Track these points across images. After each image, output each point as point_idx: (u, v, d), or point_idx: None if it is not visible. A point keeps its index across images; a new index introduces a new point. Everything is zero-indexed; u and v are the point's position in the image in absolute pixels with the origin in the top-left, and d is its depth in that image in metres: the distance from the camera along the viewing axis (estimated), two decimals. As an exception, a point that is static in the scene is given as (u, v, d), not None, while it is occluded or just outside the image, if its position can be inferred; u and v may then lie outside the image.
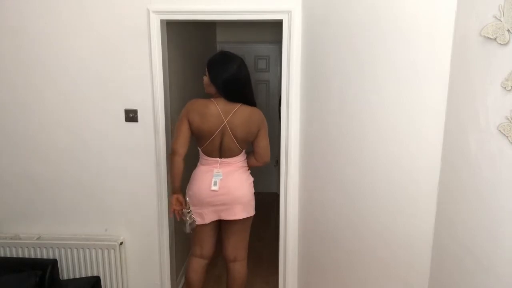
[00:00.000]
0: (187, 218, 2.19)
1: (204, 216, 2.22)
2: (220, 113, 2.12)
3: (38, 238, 2.50)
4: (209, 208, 2.20)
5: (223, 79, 2.10)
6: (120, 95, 2.36)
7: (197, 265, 2.35)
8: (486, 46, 1.27)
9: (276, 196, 2.51)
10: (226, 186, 2.17)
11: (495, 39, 1.22)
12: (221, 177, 2.17)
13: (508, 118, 1.20)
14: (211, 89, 2.16)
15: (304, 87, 2.25)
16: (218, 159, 2.19)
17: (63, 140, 2.44)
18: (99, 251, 2.47)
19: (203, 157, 2.21)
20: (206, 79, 2.16)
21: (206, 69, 2.14)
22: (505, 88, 1.20)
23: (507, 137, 1.20)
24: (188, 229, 2.21)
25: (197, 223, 2.22)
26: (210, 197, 2.17)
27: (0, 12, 2.28)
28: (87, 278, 2.47)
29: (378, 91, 1.73)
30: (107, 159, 2.45)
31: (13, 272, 2.21)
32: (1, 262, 2.36)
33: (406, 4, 1.59)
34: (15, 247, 2.47)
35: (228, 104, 2.13)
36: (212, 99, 2.16)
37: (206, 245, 2.33)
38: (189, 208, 2.20)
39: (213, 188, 2.16)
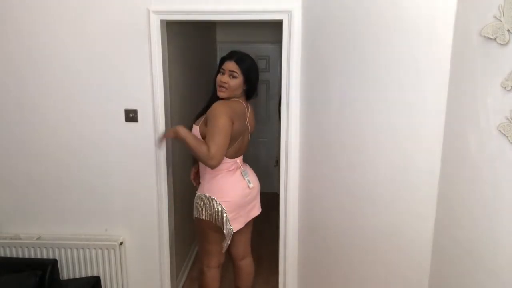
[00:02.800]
0: (229, 227, 2.14)
1: (241, 220, 2.22)
2: (246, 112, 2.18)
3: (38, 238, 2.50)
4: (246, 208, 2.23)
5: (258, 78, 2.18)
6: (120, 95, 2.36)
7: (218, 274, 2.36)
8: (486, 46, 1.27)
9: (276, 196, 2.50)
10: (252, 181, 2.25)
11: (495, 39, 1.22)
12: (248, 175, 2.23)
13: (508, 118, 1.20)
14: (239, 91, 2.13)
15: (304, 87, 2.25)
16: (236, 159, 2.21)
17: (63, 140, 2.44)
18: (99, 251, 2.47)
19: (224, 161, 2.10)
20: (238, 81, 2.10)
21: (239, 72, 2.09)
22: (505, 88, 1.20)
23: (507, 137, 1.20)
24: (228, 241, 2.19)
25: (235, 229, 2.17)
26: (246, 196, 2.20)
27: (1, 11, 2.29)
28: (87, 278, 2.47)
29: (378, 91, 1.73)
30: (107, 159, 2.45)
31: (13, 272, 2.21)
32: (1, 262, 2.36)
33: (406, 4, 1.59)
34: (15, 247, 2.47)
35: (246, 102, 2.21)
36: (236, 99, 2.15)
37: (222, 253, 2.32)
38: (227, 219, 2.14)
39: (250, 186, 2.21)
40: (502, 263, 1.26)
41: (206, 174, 2.16)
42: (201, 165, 2.21)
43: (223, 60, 2.15)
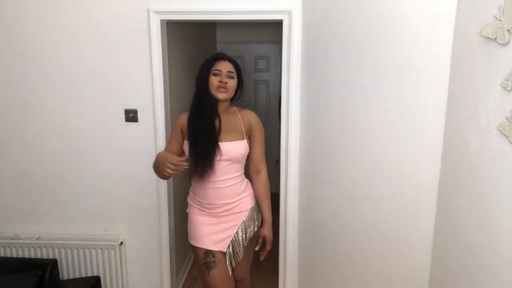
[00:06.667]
0: None
1: None
2: None
3: (38, 238, 2.50)
4: None
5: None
6: (120, 95, 2.36)
7: None
8: (486, 46, 1.27)
9: (276, 196, 2.50)
10: None
11: (495, 39, 1.22)
12: None
13: (508, 118, 1.20)
14: (233, 93, 1.98)
15: (304, 87, 2.25)
16: None
17: (63, 140, 2.44)
18: (99, 251, 2.47)
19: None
20: (235, 82, 1.95)
21: (235, 72, 1.94)
22: (505, 88, 1.20)
23: (507, 137, 1.20)
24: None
25: None
26: None
27: (1, 12, 2.28)
28: (87, 278, 2.47)
29: (378, 91, 1.73)
30: (107, 159, 2.45)
31: (13, 272, 2.21)
32: (1, 262, 2.36)
33: (406, 5, 1.59)
34: (15, 247, 2.47)
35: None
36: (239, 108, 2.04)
37: None
38: None
39: None
40: (503, 263, 1.26)
41: (243, 187, 2.08)
42: (234, 184, 2.02)
43: (213, 61, 1.94)
